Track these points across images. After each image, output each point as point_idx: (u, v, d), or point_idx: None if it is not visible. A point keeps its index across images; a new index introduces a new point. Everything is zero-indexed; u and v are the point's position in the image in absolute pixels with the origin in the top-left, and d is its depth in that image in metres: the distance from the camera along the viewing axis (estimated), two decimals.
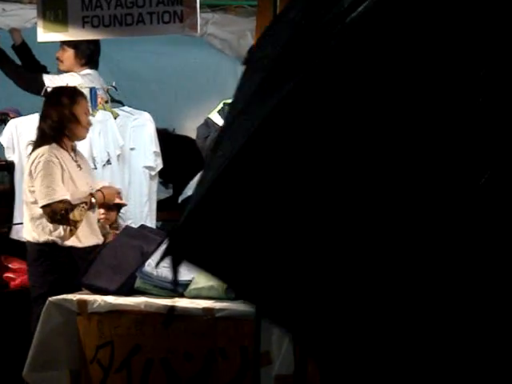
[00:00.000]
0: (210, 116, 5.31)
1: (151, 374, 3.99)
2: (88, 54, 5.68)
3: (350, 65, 1.39)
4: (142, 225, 4.90)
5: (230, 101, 5.73)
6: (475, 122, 1.36)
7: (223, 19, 5.96)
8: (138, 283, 4.19)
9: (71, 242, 4.62)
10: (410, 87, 1.38)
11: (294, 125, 1.42)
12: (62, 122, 4.70)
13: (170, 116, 6.26)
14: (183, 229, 1.50)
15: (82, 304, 4.10)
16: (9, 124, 5.66)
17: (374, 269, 1.39)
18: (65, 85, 5.50)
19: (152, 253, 4.27)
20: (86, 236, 4.66)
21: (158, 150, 5.88)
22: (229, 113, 1.68)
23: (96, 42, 5.70)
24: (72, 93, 4.83)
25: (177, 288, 4.10)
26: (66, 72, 5.70)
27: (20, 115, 5.80)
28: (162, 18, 5.06)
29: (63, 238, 4.60)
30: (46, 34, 5.34)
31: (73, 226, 4.58)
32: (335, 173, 1.40)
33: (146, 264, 4.19)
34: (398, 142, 1.38)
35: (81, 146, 5.41)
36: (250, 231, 1.44)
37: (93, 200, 4.68)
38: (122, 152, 5.76)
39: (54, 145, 4.67)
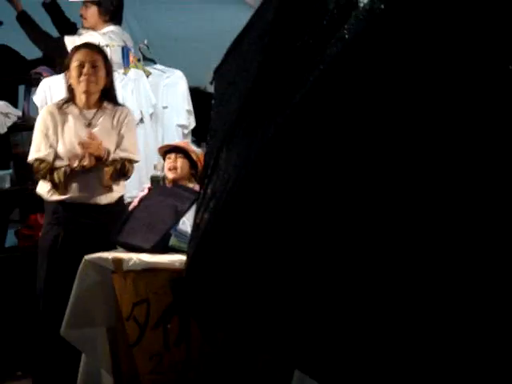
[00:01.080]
0: None
1: (187, 331, 4.02)
2: (111, 10, 5.65)
3: (342, 96, 1.37)
4: (176, 184, 4.91)
5: None
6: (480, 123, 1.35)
7: None
8: (172, 241, 4.21)
9: (60, 197, 4.67)
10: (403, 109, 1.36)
11: (284, 166, 1.40)
12: (68, 85, 4.78)
13: (203, 74, 6.22)
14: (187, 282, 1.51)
15: (118, 262, 4.13)
16: (42, 83, 5.67)
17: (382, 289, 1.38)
18: None
19: (186, 211, 4.29)
20: (64, 193, 4.68)
21: (190, 108, 5.86)
22: (210, 141, 1.65)
23: None
24: (69, 53, 4.85)
25: None
26: (91, 29, 5.70)
27: (53, 74, 5.81)
28: None
29: (49, 193, 4.68)
30: None
31: (55, 186, 4.63)
32: (334, 211, 1.38)
33: (181, 222, 4.20)
34: (400, 144, 1.37)
35: None
36: (250, 275, 1.43)
37: (67, 169, 4.65)
38: (154, 110, 5.76)
39: (60, 102, 4.76)
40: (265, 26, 1.54)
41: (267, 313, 1.47)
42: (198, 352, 4.01)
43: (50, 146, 4.69)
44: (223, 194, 1.46)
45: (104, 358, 4.15)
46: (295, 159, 1.40)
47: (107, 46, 5.55)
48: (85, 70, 4.69)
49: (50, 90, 5.61)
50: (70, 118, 4.73)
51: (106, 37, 5.61)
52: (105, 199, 4.74)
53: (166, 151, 5.01)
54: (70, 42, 5.63)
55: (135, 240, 4.26)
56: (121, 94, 5.52)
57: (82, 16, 5.72)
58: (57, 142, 4.70)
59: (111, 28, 5.68)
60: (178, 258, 4.08)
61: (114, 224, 4.55)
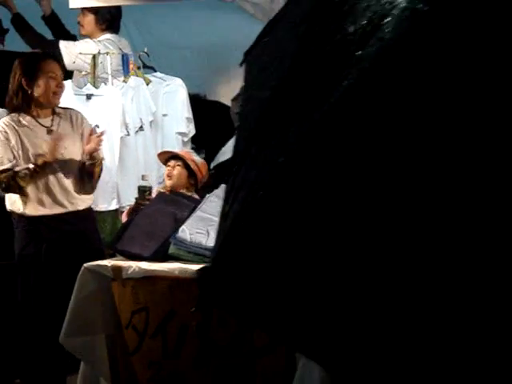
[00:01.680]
0: None
1: (186, 340, 4.01)
2: (108, 19, 5.67)
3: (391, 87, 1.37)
4: (176, 192, 4.91)
5: None
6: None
7: None
8: (171, 249, 4.20)
9: (28, 210, 4.63)
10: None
11: (318, 163, 1.39)
12: (23, 93, 4.67)
13: (202, 82, 6.24)
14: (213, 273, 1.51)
15: (117, 270, 4.12)
16: None
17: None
18: (79, 51, 5.52)
19: (186, 219, 4.28)
20: (40, 204, 4.65)
21: (190, 115, 5.87)
22: (240, 126, 1.64)
23: (117, 6, 5.68)
24: (34, 59, 4.75)
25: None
26: (88, 37, 5.71)
27: None
28: None
29: (26, 208, 4.62)
30: (77, 0, 5.33)
31: (23, 193, 4.59)
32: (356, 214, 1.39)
33: (180, 230, 4.19)
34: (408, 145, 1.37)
35: (113, 112, 5.43)
36: (275, 267, 1.44)
37: (30, 166, 4.60)
38: (154, 118, 5.76)
39: (14, 115, 4.67)
40: (301, 15, 1.52)
41: (283, 300, 1.49)
42: (193, 361, 4.00)
43: (14, 158, 4.63)
44: (254, 184, 1.45)
45: (103, 366, 4.14)
46: (329, 157, 1.39)
47: (107, 53, 5.56)
48: (57, 84, 4.71)
49: None
50: (30, 129, 4.69)
51: (101, 44, 5.63)
52: (82, 204, 4.76)
53: (167, 158, 5.02)
54: (65, 46, 5.64)
55: (134, 248, 4.26)
56: (121, 102, 5.53)
57: (79, 23, 5.74)
58: (20, 154, 4.64)
59: (107, 36, 5.69)
60: (177, 266, 4.08)
61: (93, 228, 4.58)
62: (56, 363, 4.55)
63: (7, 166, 4.58)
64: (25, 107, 4.69)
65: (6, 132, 4.64)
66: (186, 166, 4.93)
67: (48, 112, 4.75)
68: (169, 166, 4.97)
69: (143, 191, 4.85)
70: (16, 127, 4.66)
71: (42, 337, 4.56)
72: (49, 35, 5.89)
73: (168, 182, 4.89)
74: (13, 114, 4.71)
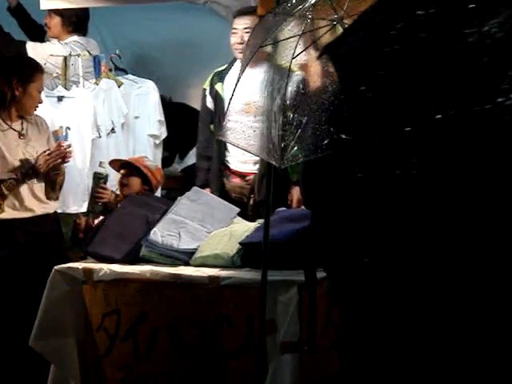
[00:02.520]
0: (204, 87, 5.28)
1: (157, 342, 4.00)
2: (74, 21, 5.65)
3: None
4: (146, 193, 4.89)
5: (221, 69, 5.60)
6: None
7: None
8: (143, 252, 4.19)
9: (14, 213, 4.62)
10: None
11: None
12: (10, 97, 4.65)
13: (174, 84, 6.24)
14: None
15: (88, 272, 4.11)
16: None
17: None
18: (47, 53, 5.49)
19: (157, 221, 4.27)
20: (12, 208, 4.63)
21: (162, 118, 5.86)
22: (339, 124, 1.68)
23: (85, 9, 5.66)
24: (31, 69, 4.73)
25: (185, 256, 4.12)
26: (54, 38, 5.69)
27: None
28: None
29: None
30: (48, 2, 5.31)
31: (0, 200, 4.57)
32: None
33: (152, 232, 4.19)
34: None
35: (84, 114, 5.41)
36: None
37: (17, 176, 4.60)
38: (126, 120, 5.74)
39: None
40: (415, 18, 1.51)
41: None
42: (164, 363, 3.99)
43: None
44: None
45: (73, 369, 4.11)
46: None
47: (78, 55, 5.54)
48: (39, 98, 4.73)
49: None
50: (1, 131, 4.66)
51: (67, 47, 5.61)
52: (50, 208, 4.75)
53: (120, 166, 4.99)
54: (32, 47, 5.62)
55: (106, 250, 4.24)
56: (92, 104, 5.51)
57: (46, 25, 5.73)
58: None
59: (74, 38, 5.67)
60: (148, 269, 4.07)
61: (59, 231, 4.64)
62: (26, 366, 4.51)
63: None
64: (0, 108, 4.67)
65: None
66: (139, 172, 4.89)
67: (17, 116, 4.73)
68: (121, 173, 4.94)
69: (98, 178, 4.76)
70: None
71: (12, 340, 4.53)
72: (16, 26, 5.86)
73: (122, 191, 4.85)
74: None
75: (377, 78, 1.63)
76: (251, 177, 5.03)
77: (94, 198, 4.72)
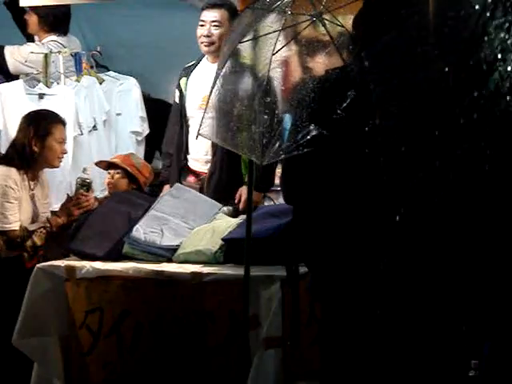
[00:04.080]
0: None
1: (141, 339, 4.00)
2: (51, 21, 5.61)
3: None
4: (129, 190, 4.88)
5: (189, 64, 5.56)
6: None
7: None
8: (125, 249, 4.19)
9: None
10: None
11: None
12: (28, 154, 4.64)
13: (155, 80, 6.22)
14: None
15: (70, 270, 4.10)
16: None
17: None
18: (27, 55, 5.49)
19: (139, 218, 4.27)
20: None
21: (144, 115, 5.84)
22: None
23: (64, 9, 5.63)
24: (47, 122, 4.73)
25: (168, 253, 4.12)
26: (32, 39, 5.69)
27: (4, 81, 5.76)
28: None
29: None
30: None
31: (31, 250, 4.56)
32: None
33: (134, 229, 4.18)
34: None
35: (66, 112, 5.39)
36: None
37: (47, 225, 4.63)
38: (108, 117, 5.72)
39: (13, 170, 4.61)
40: (448, 19, 1.52)
41: None
42: (148, 360, 3.99)
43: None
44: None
45: (56, 367, 4.11)
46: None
47: (59, 52, 5.51)
48: (62, 148, 4.74)
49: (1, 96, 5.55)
50: (22, 188, 4.66)
51: (44, 47, 5.59)
52: None
53: (107, 165, 4.98)
54: (10, 51, 5.62)
55: (88, 247, 4.24)
56: (74, 101, 5.49)
57: (26, 22, 5.71)
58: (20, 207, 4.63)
59: (53, 37, 5.64)
60: (131, 266, 4.06)
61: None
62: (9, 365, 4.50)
63: (16, 226, 4.56)
64: (25, 165, 4.65)
65: (10, 187, 4.58)
66: (126, 171, 4.88)
67: (35, 175, 4.74)
68: (108, 173, 4.94)
69: (81, 185, 4.72)
70: (19, 181, 4.63)
71: None
72: (10, 20, 5.83)
73: (109, 191, 4.84)
74: (12, 170, 4.62)
75: (408, 78, 1.65)
76: (203, 177, 4.98)
77: (76, 205, 4.68)
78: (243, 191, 4.65)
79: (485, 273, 1.45)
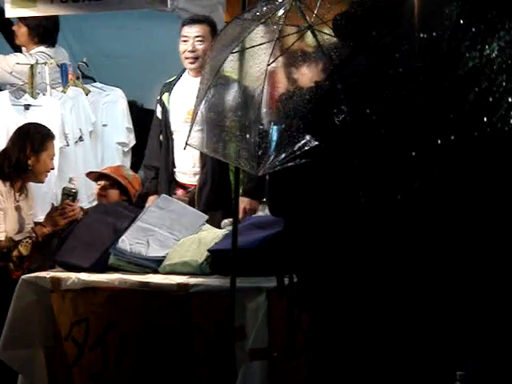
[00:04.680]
0: (158, 97, 5.28)
1: (126, 350, 3.99)
2: (41, 33, 5.62)
3: None
4: (115, 201, 4.87)
5: (169, 80, 5.58)
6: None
7: None
8: (111, 260, 4.18)
9: None
10: None
11: None
12: (22, 167, 4.66)
13: (141, 92, 6.23)
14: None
15: (56, 281, 4.09)
16: None
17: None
18: (13, 66, 5.49)
19: (125, 229, 4.26)
20: None
21: (130, 126, 5.85)
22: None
23: (54, 20, 5.64)
24: (42, 137, 4.75)
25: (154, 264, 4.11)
26: (20, 49, 5.69)
27: None
28: None
29: None
30: (14, 10, 5.28)
31: (17, 261, 4.56)
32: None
33: (120, 241, 4.17)
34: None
35: (52, 123, 5.38)
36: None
37: (32, 235, 4.62)
38: (94, 128, 5.72)
39: (7, 182, 4.64)
40: (419, 41, 1.54)
41: None
42: (134, 372, 3.98)
43: None
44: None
45: (42, 380, 4.09)
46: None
47: (45, 63, 5.51)
48: (51, 164, 4.80)
49: None
50: (8, 200, 4.67)
51: (32, 58, 5.59)
52: None
53: (97, 176, 4.97)
54: None
55: (74, 259, 4.22)
56: (59, 112, 5.49)
57: (14, 33, 5.71)
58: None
59: (41, 49, 5.65)
60: (117, 277, 4.06)
61: None
62: None
63: (1, 237, 4.57)
64: (14, 177, 4.68)
65: (4, 201, 4.62)
66: (117, 182, 4.88)
67: (21, 186, 4.76)
68: (99, 184, 4.93)
69: (67, 195, 4.70)
70: (7, 197, 4.65)
71: None
72: None
73: (100, 201, 4.84)
74: (5, 182, 4.66)
75: (381, 100, 1.66)
76: (191, 189, 4.99)
77: (62, 214, 4.67)
78: (245, 201, 4.69)
79: (467, 290, 1.47)
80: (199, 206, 4.80)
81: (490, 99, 1.46)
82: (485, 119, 1.47)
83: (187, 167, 5.02)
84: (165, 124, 5.07)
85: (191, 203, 4.82)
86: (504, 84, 1.47)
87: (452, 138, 1.47)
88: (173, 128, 5.04)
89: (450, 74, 1.54)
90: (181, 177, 5.06)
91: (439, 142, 1.50)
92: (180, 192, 5.04)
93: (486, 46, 1.50)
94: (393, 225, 1.60)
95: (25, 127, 4.87)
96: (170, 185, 5.05)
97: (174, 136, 5.03)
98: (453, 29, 1.55)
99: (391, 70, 1.63)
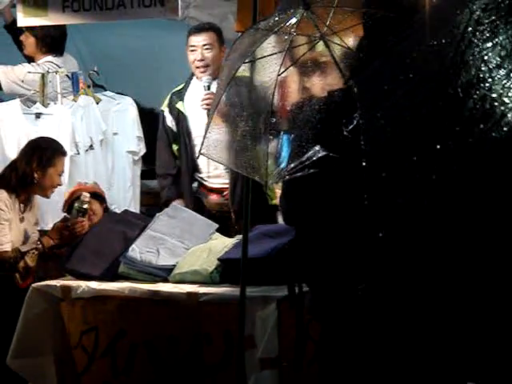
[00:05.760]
0: (162, 108, 5.29)
1: (136, 359, 3.99)
2: (49, 43, 5.64)
3: None
4: (125, 210, 4.88)
5: (178, 88, 5.59)
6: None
7: (204, 2, 5.93)
8: (121, 268, 4.18)
9: None
10: None
11: None
12: (27, 180, 4.68)
13: (152, 100, 6.24)
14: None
15: (66, 290, 4.09)
16: None
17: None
18: (18, 76, 5.47)
19: (135, 238, 4.26)
20: None
21: (140, 134, 5.85)
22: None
23: (61, 29, 5.65)
24: (51, 152, 4.76)
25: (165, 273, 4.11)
26: (28, 59, 5.71)
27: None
28: (143, 2, 5.02)
29: None
30: (25, 19, 5.29)
31: (24, 271, 4.57)
32: None
33: (130, 249, 4.18)
34: None
35: (63, 131, 5.40)
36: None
37: (39, 247, 4.64)
38: (104, 137, 5.73)
39: (4, 192, 4.65)
40: (428, 48, 1.56)
41: None
42: (143, 380, 3.98)
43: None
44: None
45: None
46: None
47: (56, 72, 5.53)
48: (59, 180, 4.78)
49: None
50: (13, 211, 4.69)
51: (39, 68, 5.61)
52: None
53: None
54: (3, 72, 5.63)
55: (84, 267, 4.23)
56: (70, 121, 5.50)
57: (22, 43, 5.72)
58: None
59: (49, 58, 5.67)
60: (127, 286, 4.06)
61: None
62: None
63: (8, 247, 4.58)
64: (20, 189, 4.70)
65: (9, 212, 4.64)
66: (92, 194, 4.84)
67: (25, 198, 4.78)
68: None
69: (78, 211, 4.69)
70: (8, 207, 4.66)
71: None
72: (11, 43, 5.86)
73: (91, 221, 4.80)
74: (3, 193, 4.67)
75: (391, 104, 1.69)
76: (227, 192, 5.03)
77: (71, 230, 4.67)
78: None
79: (469, 303, 1.48)
80: (233, 205, 4.82)
81: (487, 106, 1.49)
82: (481, 126, 1.50)
83: (219, 170, 5.02)
84: (184, 131, 5.08)
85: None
86: (501, 92, 1.50)
87: (450, 143, 1.50)
88: (194, 134, 5.06)
89: (453, 82, 1.56)
90: (213, 181, 5.08)
91: (438, 147, 1.52)
92: (215, 197, 5.06)
93: (490, 54, 1.53)
94: (402, 232, 1.60)
95: (36, 141, 4.89)
96: (199, 192, 5.08)
97: (195, 142, 5.04)
98: (460, 36, 1.57)
99: (402, 75, 1.65)
